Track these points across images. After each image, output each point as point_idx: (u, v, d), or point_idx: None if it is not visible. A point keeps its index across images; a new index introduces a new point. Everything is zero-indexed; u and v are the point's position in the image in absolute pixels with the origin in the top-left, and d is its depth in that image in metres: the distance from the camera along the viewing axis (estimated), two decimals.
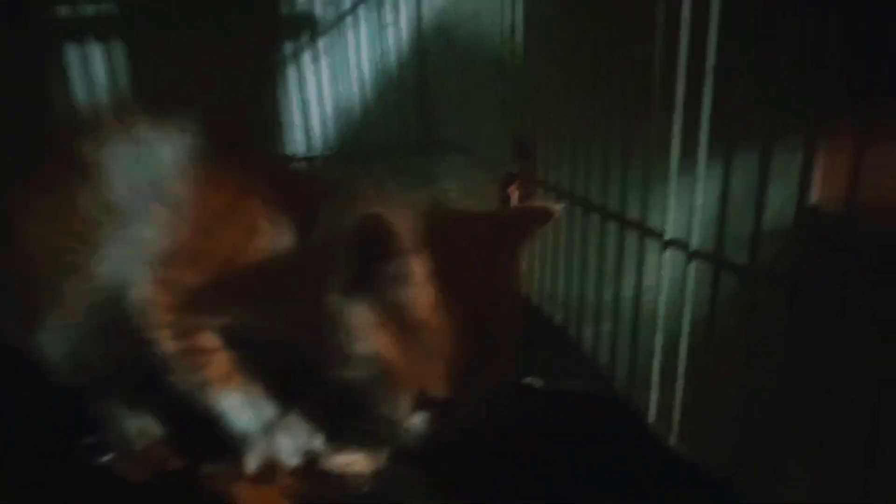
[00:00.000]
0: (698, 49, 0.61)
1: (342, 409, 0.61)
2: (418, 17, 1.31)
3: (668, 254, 0.69)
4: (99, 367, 0.68)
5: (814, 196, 1.44)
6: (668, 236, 0.68)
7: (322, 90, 1.32)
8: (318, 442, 0.64)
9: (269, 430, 0.63)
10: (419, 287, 0.52)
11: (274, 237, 0.60)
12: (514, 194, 0.94)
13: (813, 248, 0.64)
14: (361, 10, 1.30)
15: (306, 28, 1.29)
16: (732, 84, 0.61)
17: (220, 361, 0.62)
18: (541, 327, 0.89)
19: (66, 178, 0.64)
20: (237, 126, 0.75)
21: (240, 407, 0.64)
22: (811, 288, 0.54)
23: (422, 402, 0.56)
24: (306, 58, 1.30)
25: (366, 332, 0.54)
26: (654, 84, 0.67)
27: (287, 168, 0.79)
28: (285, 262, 0.59)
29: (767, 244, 0.64)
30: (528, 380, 0.73)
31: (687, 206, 0.69)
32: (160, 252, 0.60)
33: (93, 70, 1.18)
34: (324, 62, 1.31)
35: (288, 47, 1.29)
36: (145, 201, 0.62)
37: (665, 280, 0.68)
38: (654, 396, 0.69)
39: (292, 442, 0.64)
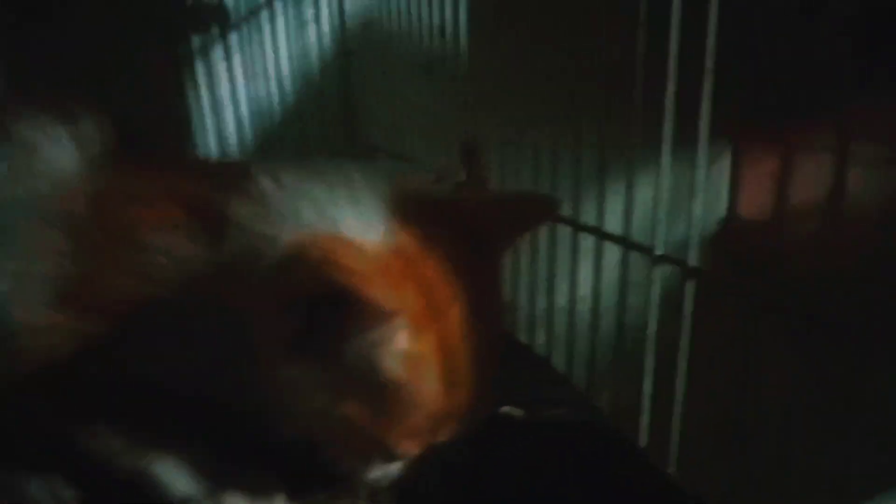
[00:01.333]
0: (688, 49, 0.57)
1: (300, 466, 0.51)
2: (341, 13, 1.23)
3: (656, 269, 0.63)
4: None
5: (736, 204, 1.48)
6: (658, 251, 0.63)
7: (235, 89, 1.21)
8: (277, 501, 0.54)
9: (214, 493, 0.52)
10: (385, 345, 0.41)
11: (183, 254, 0.49)
12: None
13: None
14: (278, 5, 1.20)
15: (216, 21, 1.17)
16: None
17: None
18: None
19: None
20: (134, 123, 0.63)
21: (174, 471, 0.53)
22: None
23: (392, 457, 0.47)
24: (217, 54, 1.18)
25: (312, 390, 0.43)
26: (636, 86, 0.62)
27: (189, 164, 0.67)
28: (199, 288, 0.48)
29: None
30: (506, 409, 0.63)
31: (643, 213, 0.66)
32: (55, 289, 0.49)
33: None
34: (237, 59, 1.20)
35: (196, 42, 1.17)
36: (29, 222, 0.51)
37: (654, 298, 0.63)
38: (644, 421, 0.64)
39: None
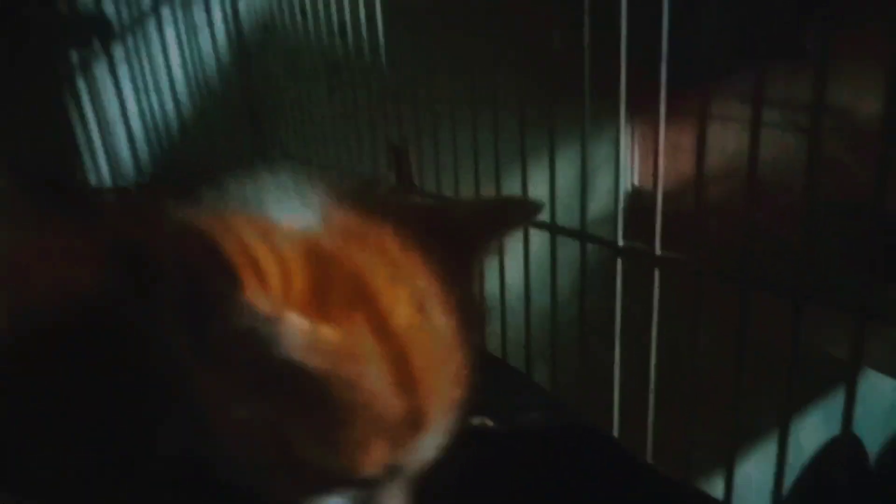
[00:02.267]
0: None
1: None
2: (235, 16, 1.15)
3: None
4: None
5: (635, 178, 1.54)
6: (621, 243, 0.63)
7: (125, 106, 1.11)
8: None
9: None
10: (303, 343, 0.35)
11: (100, 285, 0.43)
12: None
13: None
14: (165, 11, 1.11)
15: (96, 33, 1.07)
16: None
17: None
18: None
19: None
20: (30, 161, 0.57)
21: None
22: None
23: (344, 481, 0.40)
24: (101, 69, 1.08)
25: (225, 399, 0.37)
26: (554, 70, 0.62)
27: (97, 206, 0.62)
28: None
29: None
30: (477, 420, 0.59)
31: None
32: None
33: None
34: (124, 73, 1.10)
35: (75, 57, 1.06)
36: None
37: (619, 290, 0.63)
38: (616, 415, 0.63)
39: None
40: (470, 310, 0.45)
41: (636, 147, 1.44)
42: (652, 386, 0.59)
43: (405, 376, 0.38)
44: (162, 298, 0.36)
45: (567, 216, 0.70)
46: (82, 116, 1.08)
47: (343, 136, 1.02)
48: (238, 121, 1.20)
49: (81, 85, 1.07)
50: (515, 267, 0.75)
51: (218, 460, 0.40)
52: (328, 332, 0.35)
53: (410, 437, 0.39)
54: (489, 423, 0.60)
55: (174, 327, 0.36)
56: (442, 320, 0.40)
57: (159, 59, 1.12)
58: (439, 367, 0.39)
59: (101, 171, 1.11)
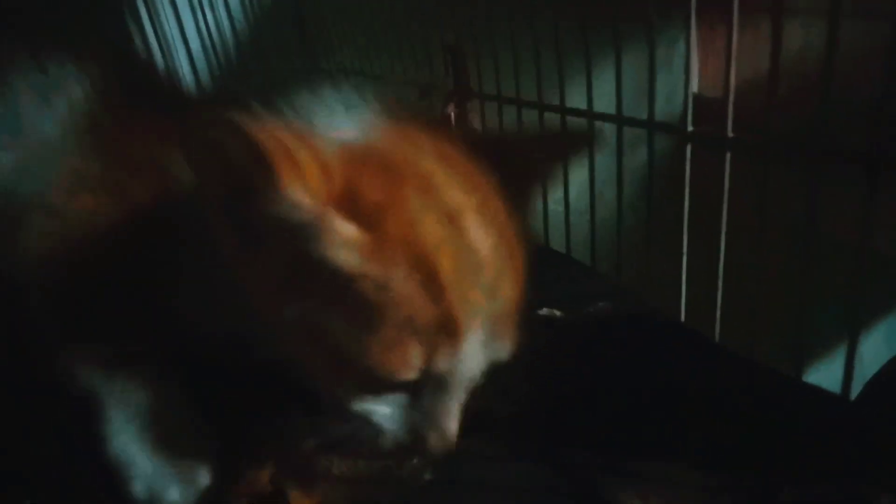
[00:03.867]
0: None
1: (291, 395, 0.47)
2: None
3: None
4: None
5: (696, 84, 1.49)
6: (690, 128, 0.62)
7: (183, 25, 1.14)
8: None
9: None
10: (324, 232, 0.38)
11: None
12: (453, 112, 0.86)
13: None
14: None
15: None
16: None
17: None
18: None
19: None
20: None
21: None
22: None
23: (380, 380, 0.41)
24: None
25: (275, 300, 0.41)
26: None
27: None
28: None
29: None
30: (544, 311, 0.60)
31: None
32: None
33: None
34: None
35: None
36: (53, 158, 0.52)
37: (687, 177, 0.63)
38: (683, 303, 0.65)
39: None
40: (517, 231, 0.44)
41: (695, 54, 1.40)
42: (720, 268, 0.60)
43: (433, 283, 0.39)
44: (207, 187, 0.40)
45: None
46: (143, 38, 1.12)
47: (395, 42, 1.03)
48: (292, 35, 1.22)
49: (141, 7, 1.10)
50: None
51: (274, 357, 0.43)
52: (359, 233, 0.38)
53: (444, 343, 0.40)
54: (557, 313, 0.61)
55: (219, 217, 0.40)
56: (479, 234, 0.41)
57: None
58: (471, 278, 0.40)
59: None
